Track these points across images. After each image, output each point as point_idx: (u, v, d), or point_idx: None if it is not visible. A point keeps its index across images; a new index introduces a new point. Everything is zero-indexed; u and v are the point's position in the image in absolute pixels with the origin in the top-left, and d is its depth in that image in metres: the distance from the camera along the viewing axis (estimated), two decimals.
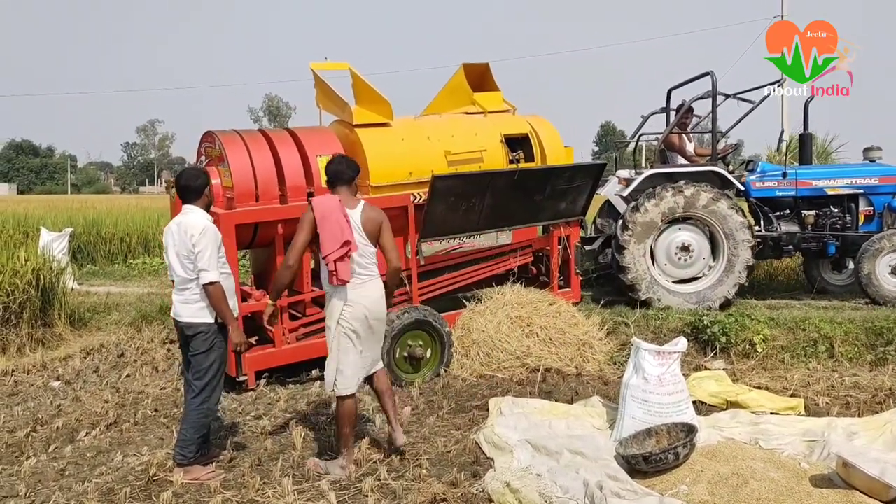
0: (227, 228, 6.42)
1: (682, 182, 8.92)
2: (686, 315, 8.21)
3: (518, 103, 8.82)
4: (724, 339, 7.56)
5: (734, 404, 5.99)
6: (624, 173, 9.82)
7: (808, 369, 7.14)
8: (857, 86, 9.65)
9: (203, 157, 7.34)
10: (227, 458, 5.22)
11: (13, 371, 7.90)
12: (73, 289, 10.99)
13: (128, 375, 7.60)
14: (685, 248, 9.00)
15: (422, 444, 5.37)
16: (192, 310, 4.89)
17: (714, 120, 9.30)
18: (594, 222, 10.00)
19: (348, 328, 4.79)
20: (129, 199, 39.16)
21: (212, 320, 4.90)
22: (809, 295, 9.79)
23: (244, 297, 6.96)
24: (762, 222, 9.45)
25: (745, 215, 9.01)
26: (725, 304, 8.91)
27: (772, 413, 5.73)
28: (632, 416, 5.11)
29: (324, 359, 5.03)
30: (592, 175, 8.50)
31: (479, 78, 8.66)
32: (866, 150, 9.93)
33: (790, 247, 9.37)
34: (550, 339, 7.49)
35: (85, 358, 8.35)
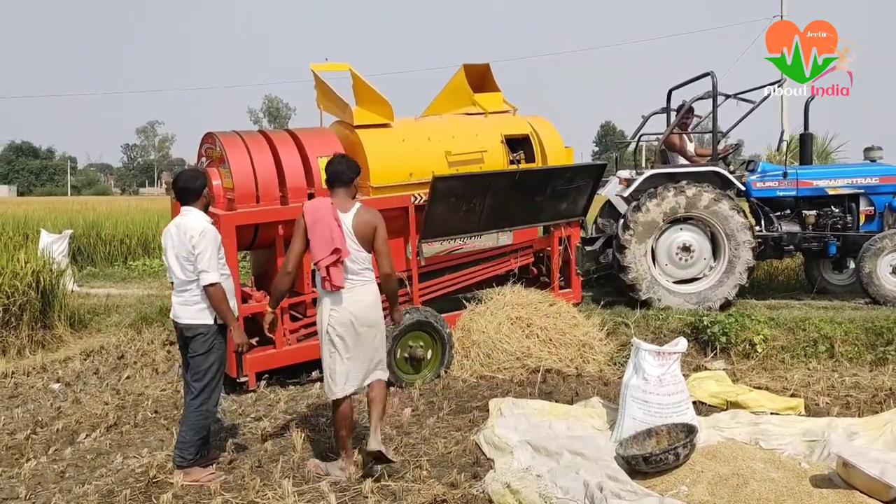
0: (227, 230, 6.43)
1: (684, 182, 8.92)
2: (686, 315, 8.21)
3: (518, 104, 8.83)
4: (724, 339, 7.56)
5: (734, 404, 5.98)
6: (625, 174, 9.82)
7: (809, 369, 7.13)
8: (857, 86, 9.66)
9: (204, 159, 7.34)
10: (227, 460, 5.21)
11: (13, 373, 7.89)
12: (72, 291, 10.99)
13: (128, 377, 7.59)
14: (686, 249, 9.00)
15: (422, 445, 5.36)
16: (192, 311, 4.89)
17: (714, 120, 9.31)
18: (595, 223, 10.00)
19: (334, 333, 4.73)
20: (129, 200, 39.19)
21: (211, 322, 4.90)
22: (809, 295, 9.79)
23: (245, 298, 6.96)
24: (763, 222, 9.45)
25: (746, 216, 9.00)
26: (725, 305, 8.90)
27: (772, 413, 5.73)
28: (632, 417, 5.10)
29: None
30: (593, 175, 8.50)
31: (480, 79, 8.66)
32: (867, 149, 9.93)
33: (791, 247, 9.37)
34: (551, 340, 7.49)
35: (85, 360, 8.34)
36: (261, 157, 6.87)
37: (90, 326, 9.81)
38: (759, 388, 6.51)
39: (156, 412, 6.45)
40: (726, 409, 5.92)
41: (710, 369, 7.08)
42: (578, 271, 8.90)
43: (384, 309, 5.02)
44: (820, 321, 7.71)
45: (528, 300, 7.91)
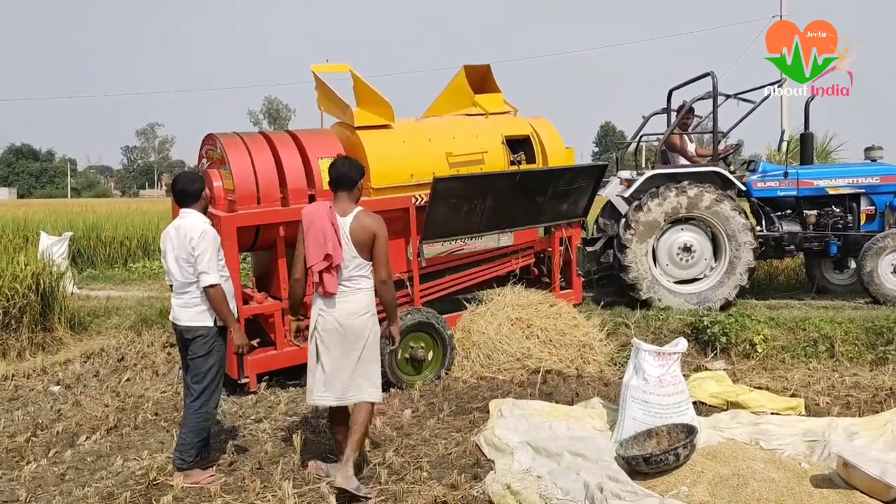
0: (228, 231, 6.43)
1: (686, 182, 8.92)
2: (686, 315, 8.21)
3: (519, 104, 8.83)
4: (724, 339, 7.56)
5: (734, 405, 5.98)
6: (625, 174, 9.82)
7: (809, 369, 7.13)
8: (857, 86, 9.65)
9: (204, 160, 7.34)
10: (228, 462, 5.21)
11: (13, 375, 7.88)
12: (72, 293, 10.99)
13: (128, 379, 7.59)
14: (687, 249, 8.99)
15: (422, 446, 5.36)
16: (192, 313, 4.89)
17: (715, 120, 9.30)
18: (596, 223, 10.00)
19: (318, 339, 4.61)
20: (129, 202, 39.24)
21: (211, 324, 4.90)
22: (810, 294, 9.79)
23: (246, 299, 6.96)
24: (764, 222, 9.45)
25: (747, 217, 9.00)
26: (726, 305, 8.90)
27: (772, 413, 5.73)
28: (632, 418, 5.10)
29: None
30: (594, 176, 8.50)
31: (481, 79, 8.66)
32: (867, 149, 9.93)
33: (792, 247, 9.38)
34: (551, 341, 7.48)
35: (85, 362, 8.34)
36: (261, 158, 6.87)
37: (90, 329, 9.81)
38: (759, 388, 6.50)
39: (156, 414, 6.45)
40: (726, 410, 5.92)
41: (710, 369, 7.08)
42: (579, 272, 8.89)
43: (381, 321, 4.81)
44: (820, 321, 7.70)
45: (528, 301, 7.91)
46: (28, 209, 24.31)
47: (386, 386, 6.70)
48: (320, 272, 4.49)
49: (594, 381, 6.99)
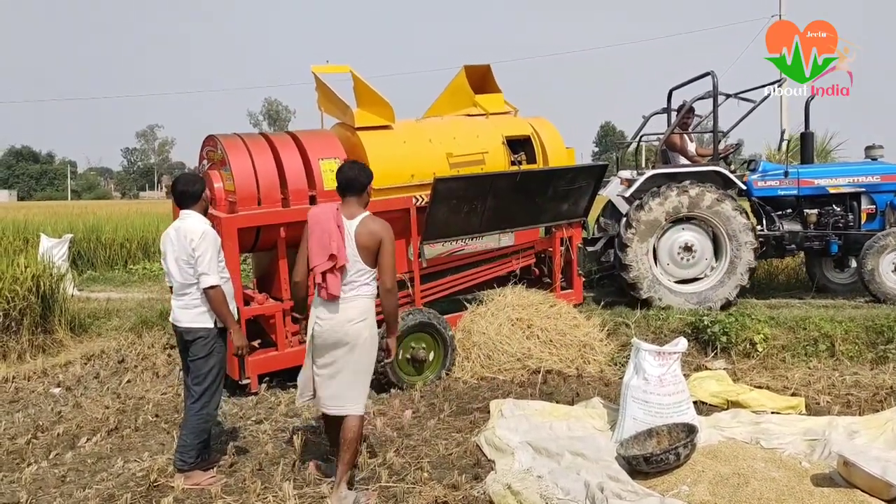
0: (229, 232, 6.43)
1: (687, 182, 8.93)
2: (686, 315, 8.21)
3: (519, 104, 8.83)
4: (724, 338, 7.55)
5: (735, 404, 5.98)
6: (626, 174, 9.82)
7: (809, 368, 7.13)
8: (857, 86, 9.66)
9: (205, 161, 7.34)
10: (228, 463, 5.20)
11: (14, 378, 7.88)
12: (73, 295, 10.99)
13: (128, 381, 7.59)
14: (688, 249, 9.00)
15: (423, 446, 5.36)
16: (192, 315, 4.89)
17: (715, 120, 9.31)
18: (597, 223, 10.00)
19: (311, 340, 4.53)
20: (130, 204, 39.26)
21: (211, 325, 4.89)
22: (810, 294, 9.79)
23: (247, 300, 6.97)
24: (764, 221, 9.46)
25: (748, 217, 9.01)
26: (726, 305, 8.90)
27: (773, 412, 5.72)
28: (632, 417, 5.10)
29: None
30: (594, 176, 8.50)
31: (481, 80, 8.66)
32: (868, 148, 9.92)
33: (793, 246, 9.39)
34: (551, 341, 7.48)
35: (85, 364, 8.34)
36: (262, 159, 6.87)
37: (90, 331, 9.81)
38: (759, 387, 6.50)
39: (156, 416, 6.45)
40: (727, 409, 5.91)
41: (710, 369, 7.08)
42: (580, 272, 8.89)
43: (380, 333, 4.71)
44: (820, 320, 7.70)
45: (528, 301, 7.90)
46: (28, 211, 24.31)
47: (386, 386, 6.72)
48: (324, 273, 4.39)
49: (594, 380, 6.99)
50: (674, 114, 10.25)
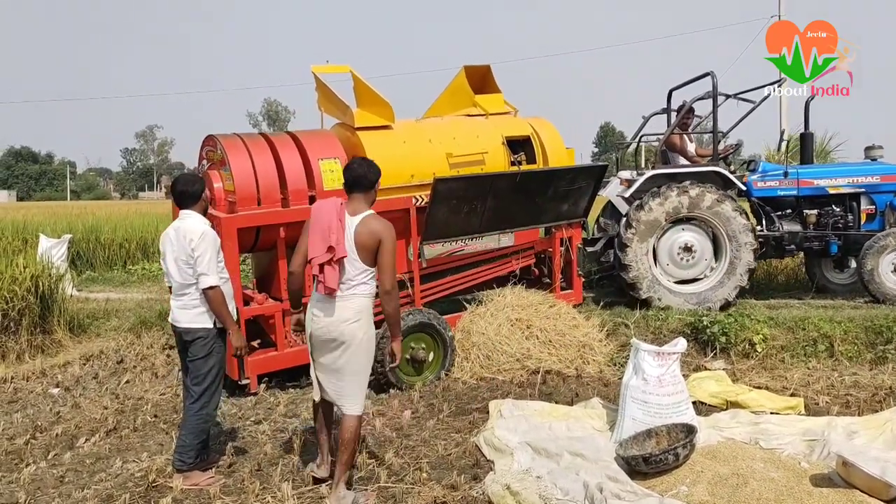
0: (228, 232, 6.43)
1: (688, 182, 8.92)
2: (686, 315, 8.21)
3: (519, 105, 8.83)
4: (723, 339, 7.55)
5: (734, 404, 5.97)
6: (626, 174, 9.82)
7: (808, 368, 7.13)
8: (857, 86, 9.66)
9: (205, 161, 7.34)
10: (227, 464, 5.20)
11: (12, 378, 7.88)
12: (72, 295, 10.98)
13: (127, 381, 7.59)
14: (688, 249, 9.00)
15: (422, 447, 5.35)
16: (191, 315, 4.88)
17: (715, 120, 9.31)
18: (596, 223, 10.00)
19: (309, 338, 4.53)
20: (129, 204, 39.24)
21: (210, 325, 4.89)
22: (809, 294, 9.78)
23: (246, 300, 6.96)
24: (764, 222, 9.46)
25: (748, 217, 9.01)
26: (725, 306, 8.90)
27: (772, 413, 5.72)
28: (632, 418, 5.09)
29: None
30: (594, 176, 8.50)
31: (481, 80, 8.66)
32: (867, 148, 9.93)
33: (792, 246, 9.38)
34: (550, 341, 7.48)
35: (84, 364, 8.34)
36: (262, 159, 6.86)
37: (89, 331, 9.80)
38: (758, 387, 6.50)
39: (155, 416, 6.44)
40: (726, 409, 5.91)
41: (709, 369, 7.07)
42: (580, 272, 8.89)
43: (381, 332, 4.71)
44: (819, 320, 7.70)
45: (528, 301, 7.90)
46: (27, 212, 24.29)
47: (386, 387, 6.71)
48: (321, 265, 4.33)
49: (594, 381, 6.98)
50: (673, 114, 10.24)
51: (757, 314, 8.02)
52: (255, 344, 6.92)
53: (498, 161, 8.13)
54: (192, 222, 4.90)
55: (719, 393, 6.18)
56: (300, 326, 4.77)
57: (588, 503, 4.19)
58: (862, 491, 4.07)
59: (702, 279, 9.11)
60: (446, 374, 7.08)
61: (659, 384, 5.06)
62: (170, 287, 5.02)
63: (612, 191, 9.87)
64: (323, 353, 4.46)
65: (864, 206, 9.31)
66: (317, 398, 4.66)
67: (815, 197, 9.40)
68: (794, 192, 9.40)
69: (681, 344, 5.28)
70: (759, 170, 9.60)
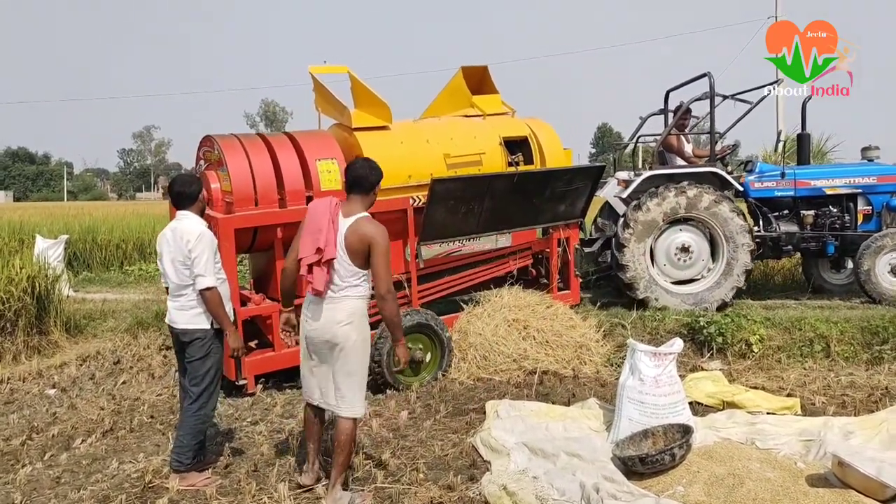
0: (226, 232, 6.43)
1: (685, 183, 8.93)
2: (682, 316, 8.21)
3: (516, 105, 8.84)
4: (720, 339, 7.56)
5: (730, 404, 5.98)
6: (623, 175, 9.82)
7: (805, 369, 7.14)
8: (857, 86, 9.68)
9: (202, 162, 7.33)
10: (224, 464, 5.19)
11: (9, 379, 7.85)
12: (68, 296, 10.96)
13: (124, 382, 7.57)
14: (685, 249, 9.01)
15: (418, 447, 5.35)
16: (188, 316, 4.87)
17: (712, 121, 9.31)
18: (594, 224, 10.00)
19: (302, 340, 4.52)
20: (126, 205, 39.20)
21: (208, 326, 4.88)
22: (806, 294, 9.79)
23: (243, 301, 6.95)
24: (761, 222, 9.47)
25: (745, 218, 9.02)
26: (722, 307, 8.90)
27: (768, 413, 5.73)
28: (628, 418, 5.09)
29: None
30: (591, 177, 8.51)
31: (478, 81, 8.67)
32: (864, 149, 9.94)
33: (789, 247, 9.40)
34: (547, 342, 7.48)
35: (81, 365, 8.31)
36: (259, 160, 6.86)
37: (86, 332, 9.77)
38: (755, 387, 6.51)
39: (152, 417, 6.43)
40: (723, 410, 5.92)
41: (706, 370, 7.08)
42: (577, 273, 8.89)
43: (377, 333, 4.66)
44: (816, 321, 7.71)
45: (525, 302, 7.90)
46: (24, 212, 24.22)
47: (383, 387, 6.71)
48: (310, 265, 4.28)
49: (590, 381, 6.99)
50: (671, 115, 10.24)
51: (753, 315, 8.03)
52: (252, 344, 6.91)
53: (495, 162, 8.13)
54: (189, 223, 4.89)
55: (716, 393, 6.19)
56: (289, 325, 4.74)
57: (584, 503, 4.19)
58: (858, 491, 4.08)
59: (699, 280, 9.12)
60: (443, 375, 7.08)
61: (655, 384, 5.06)
62: (166, 288, 5.01)
63: (609, 191, 9.87)
64: (318, 354, 4.44)
65: (861, 206, 9.33)
66: (306, 399, 4.64)
67: (812, 198, 9.41)
68: (792, 193, 9.41)
69: (677, 344, 5.28)
70: (757, 170, 9.61)
